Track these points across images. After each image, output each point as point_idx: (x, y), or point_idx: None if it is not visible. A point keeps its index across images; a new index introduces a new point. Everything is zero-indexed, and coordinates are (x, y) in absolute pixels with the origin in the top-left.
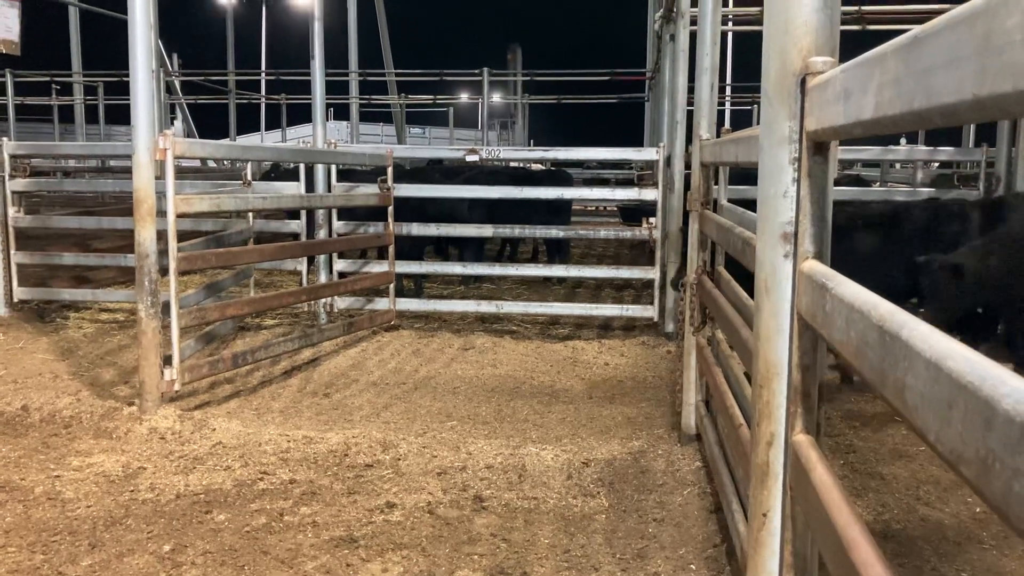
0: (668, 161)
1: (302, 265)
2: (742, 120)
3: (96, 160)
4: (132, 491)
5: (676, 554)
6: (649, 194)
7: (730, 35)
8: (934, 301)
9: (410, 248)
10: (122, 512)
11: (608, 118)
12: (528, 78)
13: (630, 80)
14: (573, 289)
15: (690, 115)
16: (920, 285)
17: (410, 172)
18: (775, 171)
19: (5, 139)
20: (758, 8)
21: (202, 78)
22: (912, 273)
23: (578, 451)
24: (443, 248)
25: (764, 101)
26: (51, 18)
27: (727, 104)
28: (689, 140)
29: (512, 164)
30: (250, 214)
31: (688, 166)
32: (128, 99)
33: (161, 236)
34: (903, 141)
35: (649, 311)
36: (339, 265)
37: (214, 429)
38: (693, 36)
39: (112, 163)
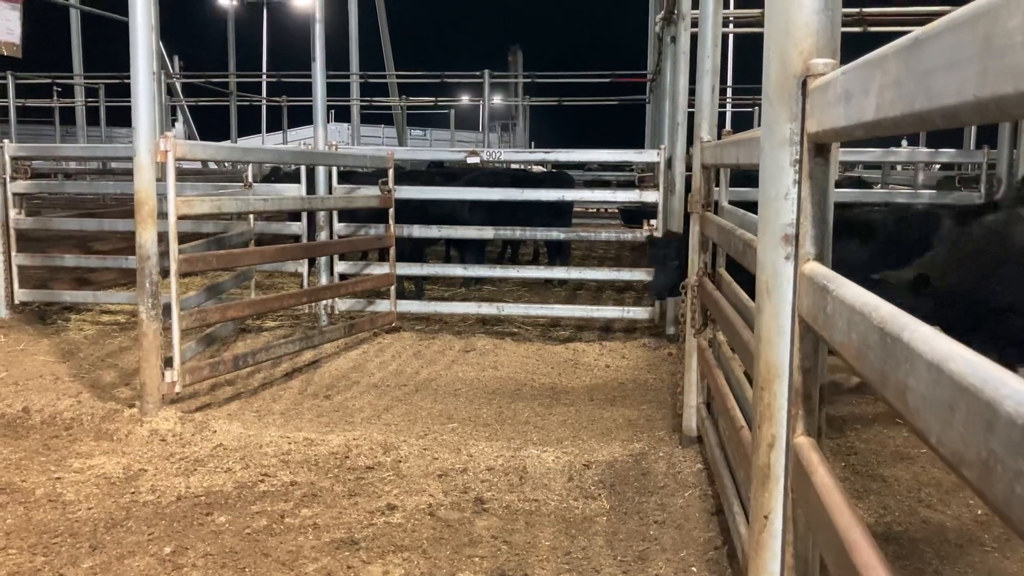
0: (669, 163)
1: (303, 267)
2: (743, 122)
3: (97, 162)
4: (133, 493)
5: (677, 556)
6: (650, 196)
7: (731, 37)
8: None
9: (411, 250)
10: (123, 514)
11: (609, 120)
12: (529, 80)
13: (631, 82)
14: (574, 291)
15: (691, 117)
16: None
17: (409, 174)
18: (776, 173)
19: (6, 141)
20: (759, 10)
21: (203, 80)
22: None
23: (579, 453)
24: (449, 249)
25: (765, 103)
26: (52, 20)
27: (728, 106)
28: (690, 142)
29: (513, 166)
30: (251, 216)
31: (689, 168)
32: (129, 101)
33: (162, 238)
34: (904, 143)
35: (650, 313)
36: (340, 267)
37: (215, 431)
38: (694, 38)
39: (113, 165)
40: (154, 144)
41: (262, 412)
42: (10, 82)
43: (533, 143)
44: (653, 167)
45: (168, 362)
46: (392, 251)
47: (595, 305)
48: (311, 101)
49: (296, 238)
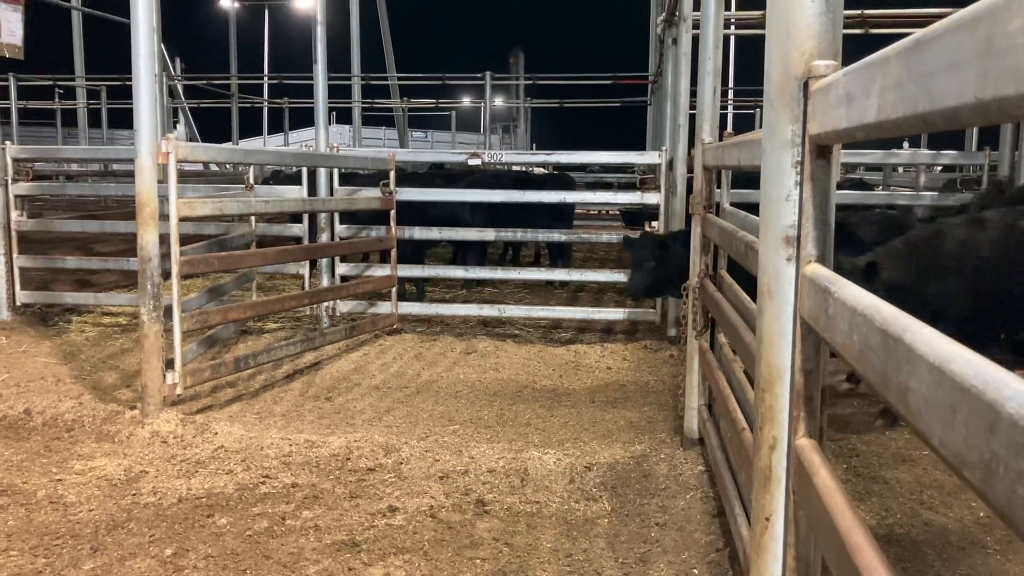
0: (670, 165)
1: (304, 269)
2: (744, 124)
3: (99, 164)
4: (134, 495)
5: (679, 558)
6: (652, 198)
7: (732, 39)
8: None
9: (412, 252)
10: (124, 516)
11: (610, 122)
12: (530, 82)
13: (632, 84)
14: (575, 293)
15: (692, 119)
16: None
17: (411, 176)
18: (778, 174)
19: (8, 143)
20: (760, 12)
21: (205, 82)
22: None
23: (580, 455)
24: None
25: (766, 105)
26: (54, 22)
27: (729, 108)
28: (691, 144)
29: (514, 168)
30: (252, 218)
31: (690, 170)
32: (131, 103)
33: (163, 240)
34: (906, 144)
35: (651, 315)
36: (341, 269)
37: (216, 433)
38: (695, 40)
39: (115, 167)
40: (156, 146)
41: (263, 414)
42: (12, 84)
43: (534, 145)
44: (655, 169)
45: (169, 364)
46: (393, 253)
47: (596, 307)
48: (312, 103)
49: (297, 240)
